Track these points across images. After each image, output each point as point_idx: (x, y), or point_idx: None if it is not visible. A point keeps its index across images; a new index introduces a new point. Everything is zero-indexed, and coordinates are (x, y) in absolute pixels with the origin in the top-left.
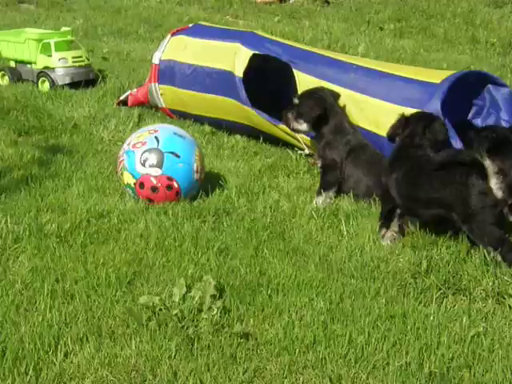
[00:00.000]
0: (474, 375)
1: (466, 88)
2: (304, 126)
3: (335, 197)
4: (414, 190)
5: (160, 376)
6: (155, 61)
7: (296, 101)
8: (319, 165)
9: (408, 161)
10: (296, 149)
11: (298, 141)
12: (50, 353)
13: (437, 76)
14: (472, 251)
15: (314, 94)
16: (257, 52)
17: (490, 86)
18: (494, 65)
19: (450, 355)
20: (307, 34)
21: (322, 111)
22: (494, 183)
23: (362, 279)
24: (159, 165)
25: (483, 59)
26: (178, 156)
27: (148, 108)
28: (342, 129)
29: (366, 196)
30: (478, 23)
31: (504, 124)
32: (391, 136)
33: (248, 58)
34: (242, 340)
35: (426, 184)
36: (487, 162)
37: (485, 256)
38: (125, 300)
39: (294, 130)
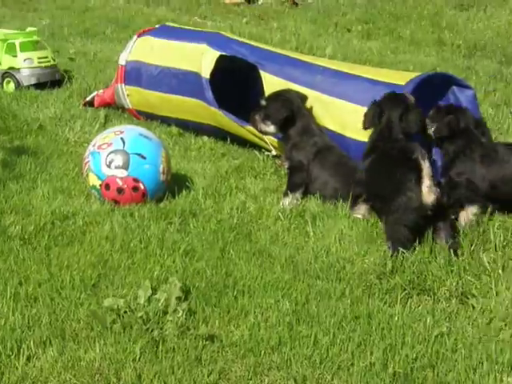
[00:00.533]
0: (438, 375)
1: (431, 89)
2: (271, 128)
3: (302, 198)
4: (372, 181)
5: (124, 379)
6: (122, 62)
7: (263, 102)
8: (286, 166)
9: (377, 152)
10: (263, 150)
11: (266, 142)
12: (13, 357)
13: (402, 77)
14: (436, 251)
15: (281, 95)
16: (224, 53)
17: (454, 87)
18: (460, 67)
19: (414, 355)
20: (275, 36)
21: (289, 113)
22: (427, 186)
23: (328, 280)
24: (125, 166)
25: (449, 61)
26: (144, 157)
27: (114, 109)
28: (309, 130)
29: (333, 197)
30: (443, 26)
31: None
32: (368, 128)
33: (215, 59)
34: (207, 342)
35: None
36: (425, 165)
37: (449, 256)
38: (89, 303)
39: (261, 131)
